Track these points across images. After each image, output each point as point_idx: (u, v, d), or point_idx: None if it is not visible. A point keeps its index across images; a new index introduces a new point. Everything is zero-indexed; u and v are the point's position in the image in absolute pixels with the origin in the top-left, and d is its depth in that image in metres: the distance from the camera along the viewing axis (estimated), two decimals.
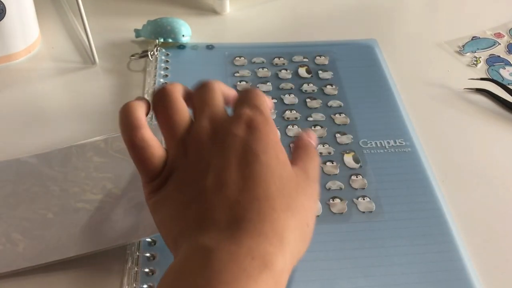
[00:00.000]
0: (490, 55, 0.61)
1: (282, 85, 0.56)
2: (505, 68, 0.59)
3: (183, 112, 0.38)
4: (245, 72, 0.57)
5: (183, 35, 0.60)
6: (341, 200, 0.44)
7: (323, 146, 0.49)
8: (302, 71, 0.58)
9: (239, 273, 0.30)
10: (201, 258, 0.30)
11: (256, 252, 0.31)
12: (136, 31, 0.62)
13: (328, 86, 0.56)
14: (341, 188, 0.45)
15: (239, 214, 0.32)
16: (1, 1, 0.55)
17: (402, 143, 0.49)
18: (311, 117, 0.52)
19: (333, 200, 0.44)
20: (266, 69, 0.58)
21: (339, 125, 0.51)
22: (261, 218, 0.32)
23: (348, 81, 0.56)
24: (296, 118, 0.52)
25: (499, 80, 0.57)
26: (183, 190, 0.35)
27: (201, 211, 0.33)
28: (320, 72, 0.58)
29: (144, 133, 0.36)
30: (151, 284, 0.38)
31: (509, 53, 0.62)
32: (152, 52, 0.59)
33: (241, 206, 0.32)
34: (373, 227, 0.42)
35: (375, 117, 0.52)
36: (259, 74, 0.57)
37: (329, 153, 0.48)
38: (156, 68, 0.57)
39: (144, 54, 0.60)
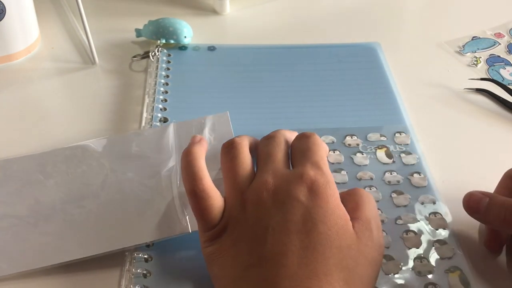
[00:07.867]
0: (490, 55, 0.61)
1: (360, 174, 0.46)
2: (505, 68, 0.59)
3: (246, 165, 0.39)
4: None
5: (185, 36, 0.60)
6: None
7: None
8: (381, 155, 0.48)
9: None
10: None
11: None
12: (137, 30, 0.62)
13: (416, 175, 0.46)
14: None
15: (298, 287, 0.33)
16: (1, 1, 0.55)
17: (401, 144, 0.49)
18: (401, 219, 0.42)
19: None
20: (338, 152, 0.47)
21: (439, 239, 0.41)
22: None
23: (351, 83, 0.56)
24: (383, 220, 0.42)
25: (499, 80, 0.57)
26: (241, 250, 0.35)
27: (262, 278, 0.34)
28: (402, 155, 0.47)
29: (206, 184, 0.38)
30: (148, 286, 0.38)
31: (509, 53, 0.62)
32: (153, 53, 0.59)
33: (300, 280, 0.33)
34: None
35: (377, 118, 0.52)
36: (330, 159, 0.47)
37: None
38: (157, 69, 0.57)
39: (145, 56, 0.60)
